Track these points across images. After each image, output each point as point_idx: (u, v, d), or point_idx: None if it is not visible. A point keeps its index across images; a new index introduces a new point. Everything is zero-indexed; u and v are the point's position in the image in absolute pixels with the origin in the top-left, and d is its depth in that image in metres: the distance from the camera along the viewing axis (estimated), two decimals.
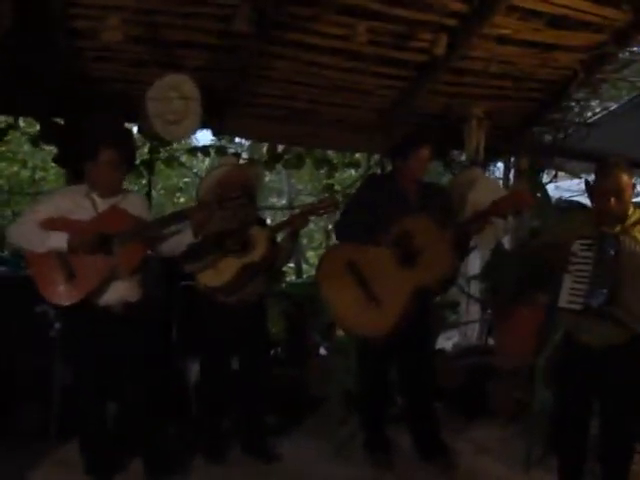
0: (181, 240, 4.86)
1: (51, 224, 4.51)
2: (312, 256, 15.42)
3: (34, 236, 4.51)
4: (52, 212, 4.57)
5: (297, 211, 5.57)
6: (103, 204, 4.67)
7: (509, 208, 5.07)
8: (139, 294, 4.78)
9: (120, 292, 4.64)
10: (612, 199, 4.20)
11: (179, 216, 4.81)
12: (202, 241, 4.94)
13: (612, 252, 4.09)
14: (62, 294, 4.51)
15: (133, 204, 4.78)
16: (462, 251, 5.48)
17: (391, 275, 4.97)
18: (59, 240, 4.47)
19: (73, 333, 4.82)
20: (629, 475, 4.44)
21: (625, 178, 4.23)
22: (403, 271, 4.97)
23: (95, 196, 4.67)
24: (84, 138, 4.93)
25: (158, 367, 5.00)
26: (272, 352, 6.41)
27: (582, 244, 4.22)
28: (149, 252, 4.82)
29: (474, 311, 8.74)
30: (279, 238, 5.45)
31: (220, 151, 7.25)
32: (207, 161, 13.97)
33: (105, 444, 4.89)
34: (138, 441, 4.97)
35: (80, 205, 4.63)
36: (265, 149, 7.83)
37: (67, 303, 4.52)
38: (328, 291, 5.15)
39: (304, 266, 14.38)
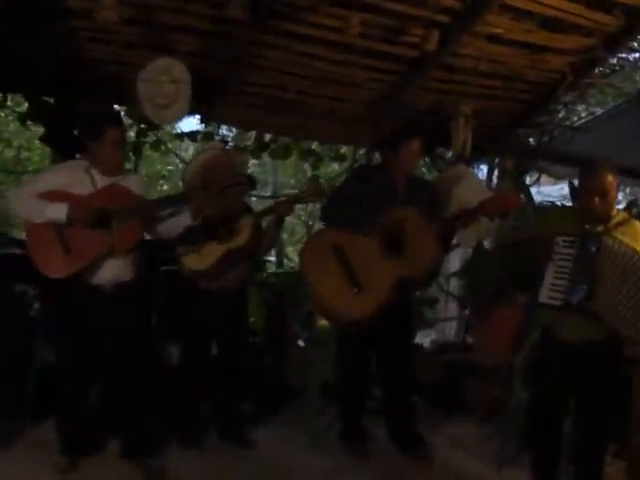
0: (179, 222, 4.87)
1: (51, 196, 4.51)
2: (291, 251, 15.40)
3: (33, 205, 4.50)
4: (52, 185, 4.56)
5: (282, 199, 5.58)
6: (102, 181, 4.66)
7: (496, 209, 5.11)
8: (132, 273, 4.77)
9: (113, 271, 4.64)
10: (597, 199, 4.25)
11: (180, 198, 4.83)
12: (199, 225, 4.94)
13: (594, 250, 4.14)
14: (56, 266, 4.50)
15: (133, 183, 4.78)
16: (446, 246, 5.53)
17: (376, 263, 5.00)
18: (58, 212, 4.46)
19: (61, 310, 4.81)
20: (603, 475, 4.49)
21: (610, 179, 4.28)
22: (388, 260, 5.01)
23: (95, 173, 4.66)
24: (87, 117, 4.91)
25: (143, 348, 4.97)
26: (251, 341, 6.40)
27: (564, 240, 4.26)
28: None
29: (452, 308, 8.78)
30: (263, 225, 5.44)
31: (208, 137, 7.24)
32: (191, 149, 13.95)
33: (84, 425, 4.88)
34: (117, 422, 4.97)
35: (79, 180, 4.62)
36: (252, 138, 7.83)
37: (60, 276, 4.50)
38: (311, 273, 5.17)
39: (284, 260, 14.36)
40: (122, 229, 4.56)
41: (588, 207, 4.31)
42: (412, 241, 5.02)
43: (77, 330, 4.69)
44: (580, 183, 4.42)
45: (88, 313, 4.64)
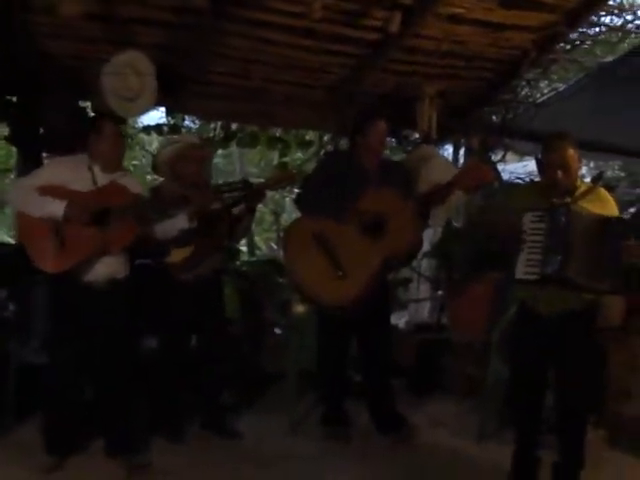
0: (175, 224, 4.88)
1: (50, 191, 4.50)
2: (259, 240, 15.36)
3: (32, 200, 4.49)
4: (52, 180, 4.56)
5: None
6: (103, 178, 4.66)
7: (471, 181, 5.15)
8: (125, 271, 4.77)
9: (108, 268, 4.63)
10: (559, 172, 4.31)
11: (180, 200, 4.81)
12: (195, 227, 4.95)
13: (563, 220, 4.19)
14: (51, 261, 4.49)
15: (131, 183, 4.77)
16: (424, 223, 5.57)
17: (358, 246, 5.03)
18: (56, 208, 4.45)
19: (54, 307, 4.80)
20: (585, 444, 4.55)
21: (571, 151, 4.35)
22: (370, 242, 5.04)
23: (96, 169, 4.66)
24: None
25: (132, 345, 4.97)
26: (229, 330, 6.39)
27: (533, 215, 4.30)
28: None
29: (424, 289, 8.80)
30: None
31: (174, 130, 7.22)
32: (155, 143, 13.86)
33: (72, 423, 4.85)
34: (104, 419, 4.93)
35: (80, 176, 4.62)
36: (218, 128, 7.81)
37: (54, 271, 4.50)
38: (294, 262, 5.20)
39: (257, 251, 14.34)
40: (118, 227, 4.54)
41: (552, 180, 4.36)
42: (392, 222, 5.04)
43: (70, 327, 4.66)
44: (543, 158, 4.48)
45: (81, 310, 4.62)
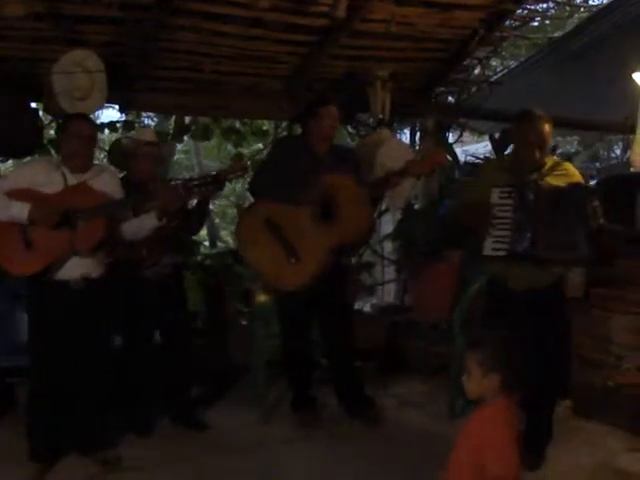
0: (143, 223, 4.80)
1: (16, 194, 4.48)
2: (225, 234, 15.32)
3: None
4: (23, 182, 4.56)
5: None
6: (73, 180, 4.63)
7: (422, 168, 5.20)
8: (100, 270, 4.73)
9: (80, 268, 4.59)
10: (536, 150, 4.35)
11: (145, 197, 4.78)
12: (166, 225, 4.89)
13: (531, 197, 4.24)
14: (18, 264, 4.51)
15: (104, 181, 4.73)
16: (375, 208, 5.60)
17: (310, 231, 5.06)
18: (21, 211, 4.43)
19: (30, 308, 4.79)
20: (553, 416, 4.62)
21: (547, 129, 4.40)
22: (322, 228, 5.07)
23: (65, 170, 4.63)
24: None
25: (104, 342, 4.96)
26: (192, 323, 6.40)
27: (501, 192, 4.34)
28: None
29: (389, 272, 8.85)
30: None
31: (128, 127, 7.20)
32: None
33: (59, 428, 4.79)
34: (74, 417, 4.88)
35: (51, 178, 4.59)
36: (172, 122, 7.81)
37: (22, 273, 4.55)
38: (248, 248, 5.24)
39: (219, 244, 14.32)
40: (85, 229, 4.50)
41: (526, 158, 4.40)
42: (343, 206, 5.07)
43: (48, 327, 4.64)
44: (518, 135, 4.51)
45: (57, 309, 4.60)
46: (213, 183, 4.82)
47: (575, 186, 4.36)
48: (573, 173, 4.53)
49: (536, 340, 4.39)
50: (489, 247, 4.36)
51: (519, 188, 4.30)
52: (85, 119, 4.80)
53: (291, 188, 5.06)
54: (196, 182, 4.78)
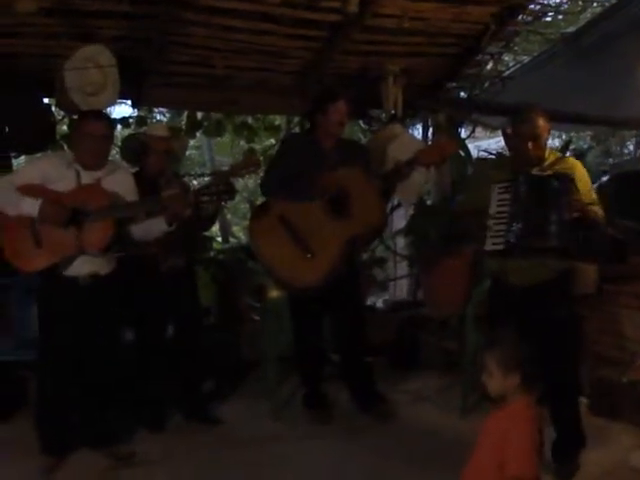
0: (152, 227, 4.77)
1: (28, 190, 4.47)
2: (237, 230, 15.33)
3: (8, 197, 4.49)
4: (35, 178, 4.54)
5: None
6: (87, 177, 4.62)
7: (432, 157, 5.19)
8: (110, 267, 4.72)
9: (89, 265, 4.59)
10: (530, 143, 4.33)
11: (155, 203, 4.72)
12: (176, 231, 4.86)
13: (524, 189, 4.23)
14: (27, 260, 4.52)
15: (117, 180, 4.72)
16: (387, 200, 5.60)
17: (324, 227, 5.07)
18: (31, 207, 4.43)
19: (41, 300, 4.79)
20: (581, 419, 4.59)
21: (541, 122, 4.38)
22: (336, 222, 5.08)
23: (79, 167, 4.62)
24: None
25: (115, 338, 4.97)
26: (204, 318, 6.40)
27: (499, 187, 4.35)
28: None
29: (402, 268, 8.84)
30: None
31: (140, 122, 7.20)
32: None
33: (66, 421, 4.81)
34: (87, 413, 4.90)
35: (64, 174, 4.58)
36: (185, 118, 7.82)
37: (31, 270, 4.54)
38: (262, 246, 5.23)
39: (231, 239, 14.34)
40: (93, 229, 4.49)
41: (522, 152, 4.39)
42: (356, 201, 5.08)
43: (56, 321, 4.66)
44: (513, 130, 4.49)
45: (66, 304, 4.60)
46: (225, 192, 4.75)
47: (547, 177, 4.33)
48: (576, 168, 4.49)
49: (545, 336, 4.40)
50: (489, 242, 4.35)
51: (514, 182, 4.30)
52: (99, 118, 4.75)
53: (301, 184, 5.07)
54: (207, 190, 4.72)
